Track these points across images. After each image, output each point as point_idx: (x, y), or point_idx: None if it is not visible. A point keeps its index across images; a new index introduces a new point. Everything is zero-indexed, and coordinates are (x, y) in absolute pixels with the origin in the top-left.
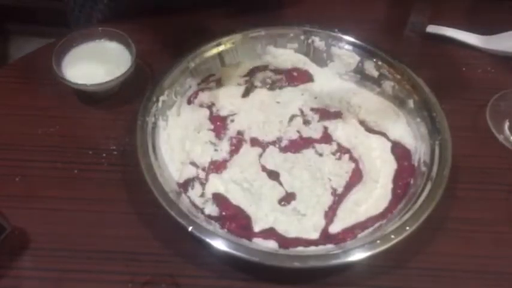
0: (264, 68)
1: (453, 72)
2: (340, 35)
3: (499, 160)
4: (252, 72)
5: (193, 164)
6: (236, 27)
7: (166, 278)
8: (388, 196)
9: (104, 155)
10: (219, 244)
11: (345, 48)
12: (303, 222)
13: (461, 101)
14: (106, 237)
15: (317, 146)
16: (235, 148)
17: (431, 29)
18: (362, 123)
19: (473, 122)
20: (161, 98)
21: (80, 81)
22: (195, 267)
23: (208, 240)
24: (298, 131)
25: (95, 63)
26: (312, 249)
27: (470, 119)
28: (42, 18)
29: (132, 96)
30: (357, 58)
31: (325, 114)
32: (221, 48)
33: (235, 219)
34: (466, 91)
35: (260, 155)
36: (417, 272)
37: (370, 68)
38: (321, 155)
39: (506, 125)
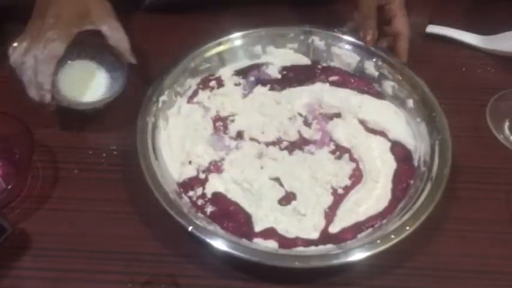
0: (262, 67)
1: (453, 72)
2: (339, 35)
3: (499, 160)
4: (249, 71)
5: (193, 164)
6: (236, 28)
7: (166, 278)
8: (388, 196)
9: (104, 155)
10: (220, 244)
11: (345, 48)
12: (303, 222)
13: (461, 101)
14: (106, 237)
15: (317, 146)
16: (235, 148)
17: (431, 29)
18: (362, 123)
19: (473, 122)
20: (161, 98)
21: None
22: (195, 267)
23: (208, 240)
24: (298, 131)
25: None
26: (312, 249)
27: (470, 119)
28: None
29: (132, 96)
30: (357, 58)
31: (325, 114)
32: (221, 48)
33: (235, 219)
34: (466, 91)
35: (260, 155)
36: (417, 272)
37: (370, 67)
38: (320, 155)
39: (506, 125)
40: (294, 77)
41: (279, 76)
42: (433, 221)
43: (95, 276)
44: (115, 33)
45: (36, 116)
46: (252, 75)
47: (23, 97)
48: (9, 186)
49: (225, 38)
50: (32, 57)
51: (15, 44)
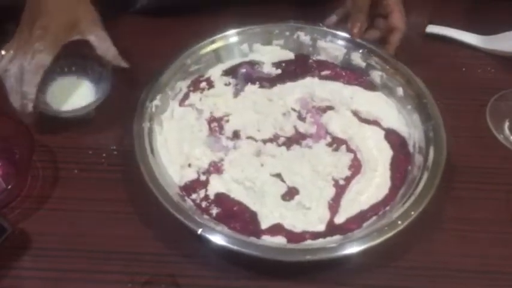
0: (251, 65)
1: (453, 72)
2: (325, 29)
3: (499, 160)
4: (236, 70)
5: (193, 166)
6: (221, 27)
7: (166, 278)
8: (388, 184)
9: (104, 155)
10: (230, 244)
11: (331, 42)
12: (308, 216)
13: (461, 101)
14: (106, 237)
15: (314, 139)
16: (233, 148)
17: (431, 29)
18: (355, 114)
19: (473, 122)
20: (154, 103)
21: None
22: (195, 267)
23: (218, 241)
24: (293, 127)
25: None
26: (321, 242)
27: (470, 119)
28: None
29: (129, 98)
30: (343, 50)
31: (318, 107)
32: (210, 48)
33: (241, 219)
34: (466, 91)
35: (259, 153)
36: (417, 272)
37: (357, 59)
38: (318, 148)
39: (506, 125)
40: (289, 73)
41: (279, 71)
42: (433, 220)
43: (95, 276)
44: (102, 43)
45: (36, 116)
46: (244, 68)
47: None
48: (9, 186)
49: (212, 38)
50: (17, 66)
51: (3, 52)
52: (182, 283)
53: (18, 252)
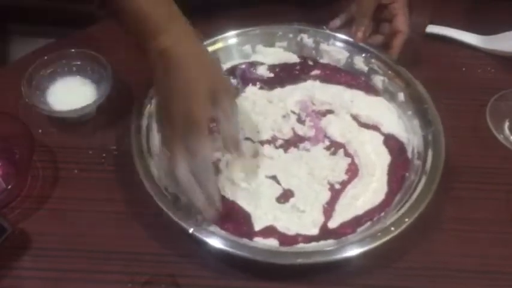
0: (250, 66)
1: (453, 72)
2: (328, 32)
3: (499, 160)
4: (234, 70)
5: None
6: (224, 28)
7: (166, 278)
8: (384, 189)
9: (104, 155)
10: (222, 245)
11: (334, 45)
12: (302, 219)
13: (461, 101)
14: (106, 237)
15: (312, 142)
16: None
17: (431, 29)
18: (355, 118)
19: (473, 122)
20: (154, 100)
21: (56, 108)
22: (195, 267)
23: (210, 241)
24: (292, 129)
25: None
26: (314, 245)
27: (470, 119)
28: (41, 18)
29: (129, 98)
30: (346, 54)
31: (317, 110)
32: (216, 46)
33: (234, 219)
34: (466, 91)
35: (256, 154)
36: (417, 272)
37: (359, 63)
38: (316, 151)
39: (506, 125)
40: (290, 75)
41: (271, 75)
42: (433, 220)
43: (95, 276)
44: (226, 122)
45: (36, 116)
46: (241, 68)
47: (22, 97)
48: (9, 186)
49: (214, 39)
50: (183, 172)
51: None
52: (182, 283)
53: (18, 252)
